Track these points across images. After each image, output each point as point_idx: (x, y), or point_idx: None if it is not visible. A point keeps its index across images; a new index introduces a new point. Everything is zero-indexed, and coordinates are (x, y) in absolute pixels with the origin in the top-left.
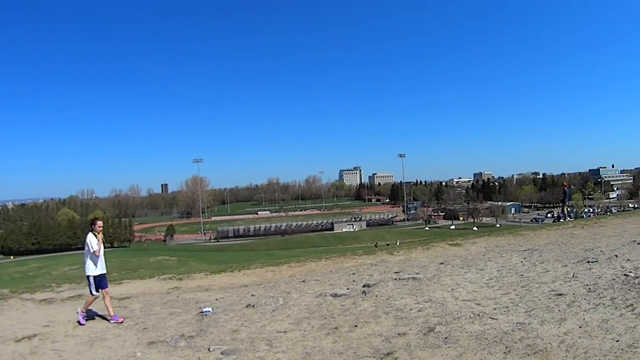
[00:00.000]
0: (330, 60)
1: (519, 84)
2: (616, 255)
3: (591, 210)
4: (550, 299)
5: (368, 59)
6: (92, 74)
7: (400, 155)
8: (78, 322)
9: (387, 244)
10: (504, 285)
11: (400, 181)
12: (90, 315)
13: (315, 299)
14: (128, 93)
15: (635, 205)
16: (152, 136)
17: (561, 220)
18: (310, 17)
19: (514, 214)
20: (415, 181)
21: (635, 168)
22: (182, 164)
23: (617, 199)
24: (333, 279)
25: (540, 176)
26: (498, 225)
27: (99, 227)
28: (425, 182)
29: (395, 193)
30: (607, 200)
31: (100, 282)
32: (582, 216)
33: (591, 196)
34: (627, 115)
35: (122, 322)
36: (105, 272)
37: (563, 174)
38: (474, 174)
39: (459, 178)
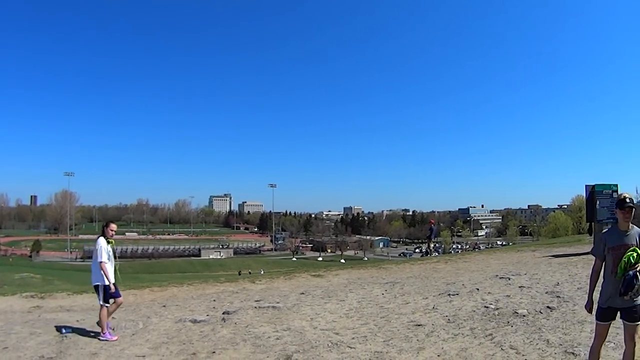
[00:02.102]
0: (199, 87)
1: (389, 123)
2: (478, 289)
3: (459, 246)
4: (409, 329)
5: (240, 89)
6: None
7: (271, 185)
8: (106, 340)
9: (250, 273)
10: (364, 316)
11: (270, 211)
12: None
13: (174, 324)
14: None
15: (503, 243)
16: (23, 144)
17: (427, 255)
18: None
19: (382, 248)
20: (285, 212)
21: (505, 208)
22: (53, 176)
23: (486, 237)
24: (193, 305)
25: (410, 213)
26: (366, 259)
27: (112, 231)
28: (295, 213)
29: (264, 222)
30: (476, 237)
31: (112, 290)
32: (450, 252)
33: (460, 233)
34: (497, 160)
35: (115, 340)
36: (115, 280)
37: (433, 211)
38: (344, 208)
39: (329, 211)
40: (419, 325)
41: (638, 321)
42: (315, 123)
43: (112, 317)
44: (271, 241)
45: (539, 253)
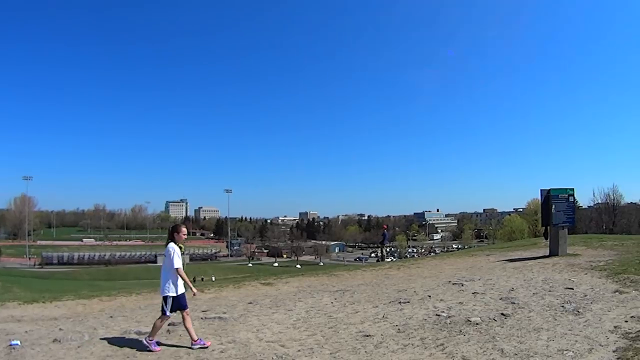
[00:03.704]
0: (152, 94)
1: (343, 128)
2: (429, 296)
3: (415, 250)
4: (358, 340)
5: (193, 95)
6: None
7: (227, 191)
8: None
9: (202, 279)
10: (311, 326)
11: (226, 216)
12: None
13: (120, 336)
14: None
15: (459, 246)
16: None
17: (382, 261)
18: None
19: (338, 253)
20: (240, 217)
21: (460, 212)
22: (11, 180)
23: (441, 241)
24: (140, 316)
25: (366, 218)
26: (321, 264)
27: (184, 235)
28: (251, 218)
29: (220, 228)
30: (431, 241)
31: (180, 301)
32: (406, 256)
33: (415, 238)
34: (452, 164)
35: (208, 346)
36: (184, 290)
37: (388, 216)
38: (300, 213)
39: (285, 216)
40: (367, 335)
41: None
42: (270, 129)
43: (60, 329)
44: (227, 247)
45: (494, 257)
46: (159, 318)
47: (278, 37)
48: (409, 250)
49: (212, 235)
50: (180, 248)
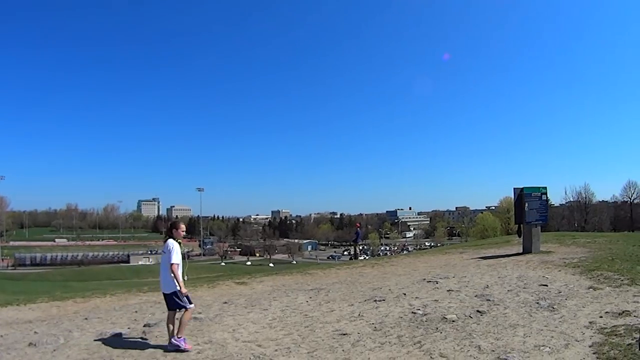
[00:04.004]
0: (123, 92)
1: (314, 126)
2: (405, 294)
3: (387, 248)
4: (334, 338)
5: (164, 94)
6: None
7: (199, 189)
8: (180, 350)
9: None
10: (287, 326)
11: (198, 215)
12: None
13: (96, 338)
14: None
15: (431, 244)
16: None
17: (355, 259)
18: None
19: (310, 251)
20: (213, 216)
21: (432, 210)
22: None
23: (414, 238)
24: (115, 317)
25: (338, 216)
26: (294, 262)
27: (183, 232)
28: (223, 217)
29: (192, 227)
30: (404, 239)
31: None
32: (379, 254)
33: (388, 235)
34: (425, 162)
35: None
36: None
37: (361, 214)
38: (272, 212)
39: (257, 215)
40: (344, 334)
41: None
42: (242, 128)
43: (35, 332)
44: (200, 246)
45: (467, 255)
46: (183, 314)
47: (246, 37)
48: (382, 248)
49: (184, 234)
50: (180, 244)
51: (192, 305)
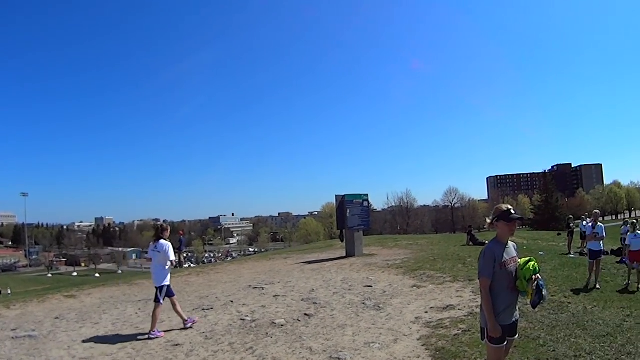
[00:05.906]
0: None
1: (141, 133)
2: (232, 301)
3: (212, 255)
4: (168, 350)
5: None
6: None
7: (23, 194)
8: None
9: (0, 293)
10: (120, 339)
11: (23, 223)
12: None
13: None
14: None
15: (255, 250)
16: None
17: (179, 267)
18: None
19: (135, 260)
20: (38, 223)
21: (255, 216)
22: None
23: (238, 245)
24: None
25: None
26: (120, 272)
27: (167, 234)
28: (47, 225)
29: (18, 236)
30: (228, 245)
31: (170, 289)
32: (204, 261)
33: (211, 242)
34: (246, 169)
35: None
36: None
37: (184, 221)
38: (96, 219)
39: (81, 222)
40: (177, 345)
41: (516, 334)
42: (60, 131)
43: None
44: (25, 256)
45: (292, 260)
46: (155, 308)
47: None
48: (206, 255)
49: (10, 243)
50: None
51: (163, 303)
